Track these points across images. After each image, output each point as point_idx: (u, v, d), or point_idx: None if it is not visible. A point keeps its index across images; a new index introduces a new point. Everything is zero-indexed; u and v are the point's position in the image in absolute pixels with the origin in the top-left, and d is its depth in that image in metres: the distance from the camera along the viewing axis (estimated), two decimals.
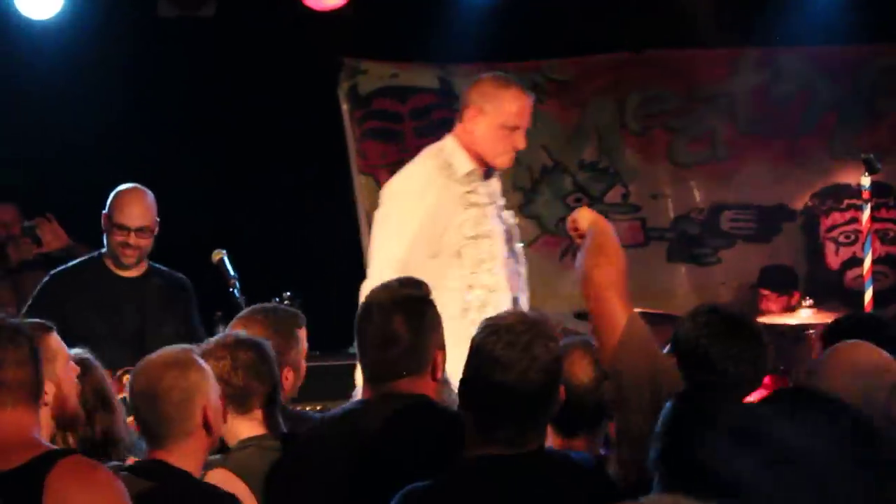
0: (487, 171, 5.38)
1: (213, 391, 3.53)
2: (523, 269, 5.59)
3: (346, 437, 3.57)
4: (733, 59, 8.36)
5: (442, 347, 3.73)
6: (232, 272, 6.40)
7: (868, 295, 6.11)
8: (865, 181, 5.85)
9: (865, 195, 5.86)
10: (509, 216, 5.56)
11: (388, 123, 8.33)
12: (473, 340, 3.30)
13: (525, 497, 3.19)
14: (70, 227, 7.26)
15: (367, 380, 3.72)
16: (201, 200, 7.76)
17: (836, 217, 8.29)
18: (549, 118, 8.31)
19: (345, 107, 8.22)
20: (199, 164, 7.83)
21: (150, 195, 5.93)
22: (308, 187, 7.89)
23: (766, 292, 7.59)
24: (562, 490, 3.21)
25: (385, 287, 3.79)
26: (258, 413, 3.86)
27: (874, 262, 6.90)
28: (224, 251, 6.52)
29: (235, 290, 6.40)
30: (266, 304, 4.62)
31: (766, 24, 8.03)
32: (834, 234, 8.32)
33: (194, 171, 7.81)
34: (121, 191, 5.89)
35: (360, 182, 8.21)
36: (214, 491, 3.45)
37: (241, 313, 4.42)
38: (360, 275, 7.75)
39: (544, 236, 8.41)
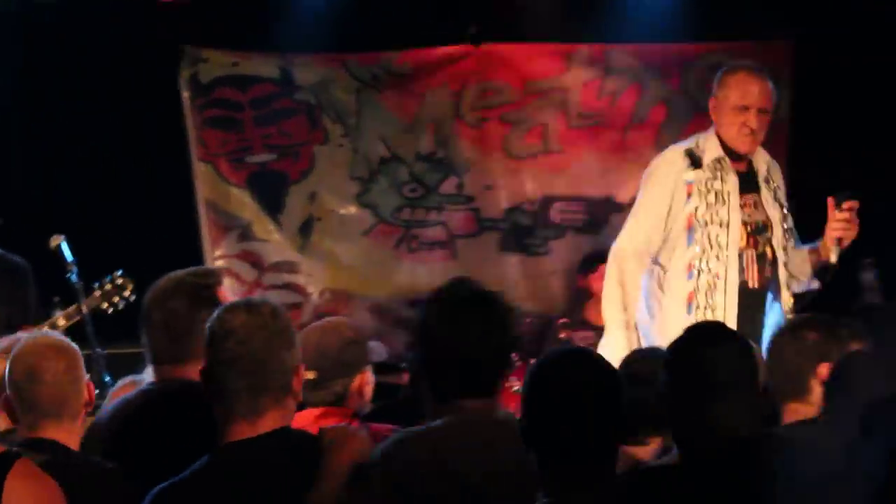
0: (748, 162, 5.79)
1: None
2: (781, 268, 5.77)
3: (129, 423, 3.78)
4: (567, 54, 8.56)
5: None
6: (70, 257, 6.49)
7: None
8: (689, 175, 5.98)
9: (689, 188, 5.96)
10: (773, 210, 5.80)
11: (229, 112, 8.42)
12: None
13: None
14: None
15: (151, 363, 3.89)
16: (40, 185, 7.85)
17: None
18: (387, 110, 8.50)
19: (185, 94, 8.28)
20: (38, 149, 7.90)
21: None
22: (148, 174, 7.96)
23: (590, 275, 7.88)
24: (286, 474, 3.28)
25: (171, 276, 3.95)
26: None
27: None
28: (63, 236, 6.63)
29: (73, 275, 6.52)
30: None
31: (599, 21, 8.25)
32: None
33: (33, 155, 7.88)
34: None
35: (199, 169, 8.30)
36: (102, 466, 3.67)
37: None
38: (198, 260, 7.95)
39: (380, 225, 8.55)
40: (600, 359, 3.34)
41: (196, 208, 8.27)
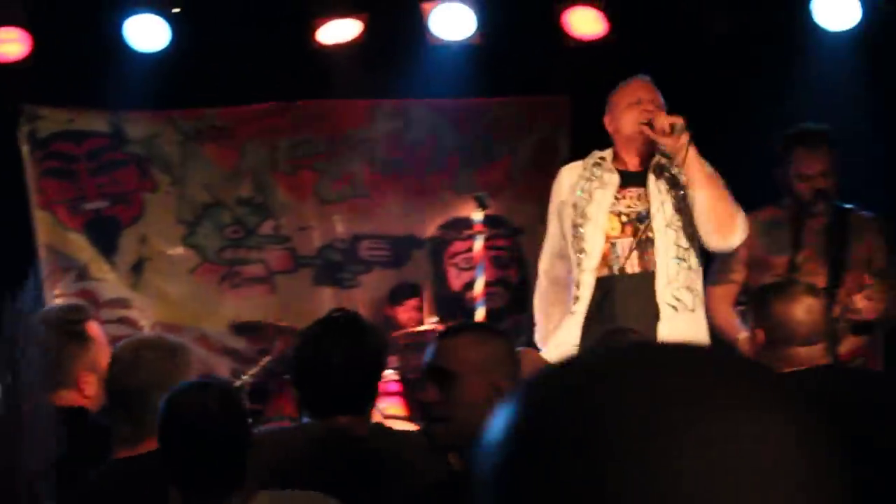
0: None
1: None
2: (662, 249, 5.59)
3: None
4: (372, 108, 8.94)
5: (91, 369, 3.99)
6: None
7: (480, 313, 6.59)
8: (477, 215, 6.42)
9: (477, 227, 6.42)
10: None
11: (65, 164, 8.62)
12: None
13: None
14: None
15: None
16: None
17: (458, 245, 8.86)
18: (210, 160, 8.83)
19: (25, 148, 8.50)
20: None
21: None
22: None
23: (396, 307, 8.36)
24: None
25: (43, 311, 4.06)
26: None
27: (490, 284, 7.56)
28: None
29: None
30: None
31: (399, 78, 8.56)
32: (456, 260, 8.87)
33: None
34: None
35: (38, 216, 8.56)
36: None
37: None
38: (38, 299, 8.24)
39: (205, 264, 8.80)
40: (227, 388, 3.30)
41: (36, 251, 8.48)
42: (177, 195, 8.83)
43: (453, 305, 8.71)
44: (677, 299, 5.52)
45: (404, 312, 8.39)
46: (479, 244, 6.41)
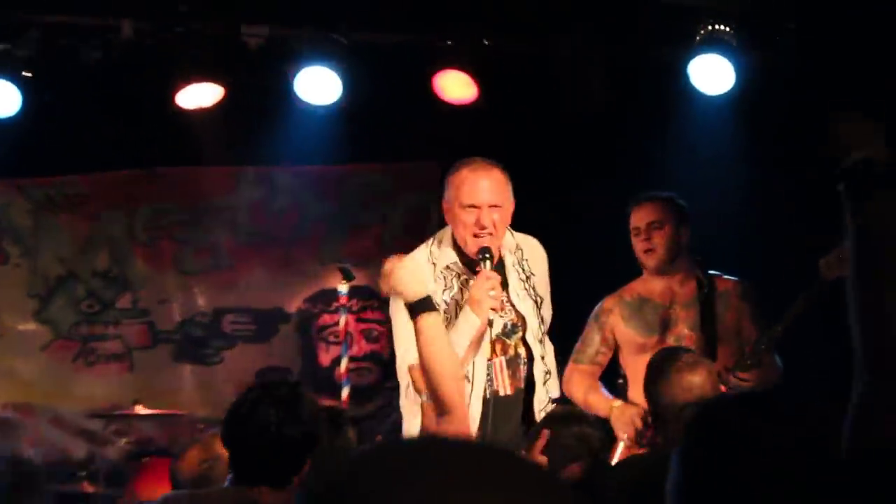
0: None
1: None
2: (538, 363, 5.32)
3: None
4: (235, 176, 8.89)
5: None
6: None
7: (345, 392, 6.56)
8: (342, 287, 6.38)
9: (343, 300, 6.39)
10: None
11: None
12: None
13: None
14: None
15: None
16: None
17: (326, 318, 8.79)
18: (64, 230, 8.71)
19: None
20: None
21: None
22: None
23: None
24: None
25: None
26: None
27: (360, 359, 7.54)
28: None
29: None
30: None
31: (264, 145, 8.55)
32: (324, 334, 8.81)
33: None
34: None
35: None
36: None
37: None
38: None
39: (58, 340, 8.69)
40: None
41: None
42: (28, 267, 8.73)
43: (323, 383, 8.60)
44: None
45: None
46: (343, 319, 6.40)
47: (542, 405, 5.30)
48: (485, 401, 5.19)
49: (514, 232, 5.40)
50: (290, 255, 8.91)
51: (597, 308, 6.19)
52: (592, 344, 6.12)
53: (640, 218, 6.03)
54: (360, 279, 7.38)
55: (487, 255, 5.06)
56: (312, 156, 8.69)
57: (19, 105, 7.89)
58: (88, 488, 7.69)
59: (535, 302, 5.36)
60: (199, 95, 8.08)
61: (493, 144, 8.35)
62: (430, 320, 4.38)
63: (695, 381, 4.63)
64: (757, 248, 7.07)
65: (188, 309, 8.86)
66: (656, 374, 4.75)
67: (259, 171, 8.95)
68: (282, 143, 8.56)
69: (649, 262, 6.01)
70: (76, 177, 8.71)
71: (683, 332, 5.95)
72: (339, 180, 9.02)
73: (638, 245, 6.02)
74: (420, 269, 4.54)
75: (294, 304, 8.81)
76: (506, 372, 5.25)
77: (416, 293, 4.38)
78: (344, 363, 6.40)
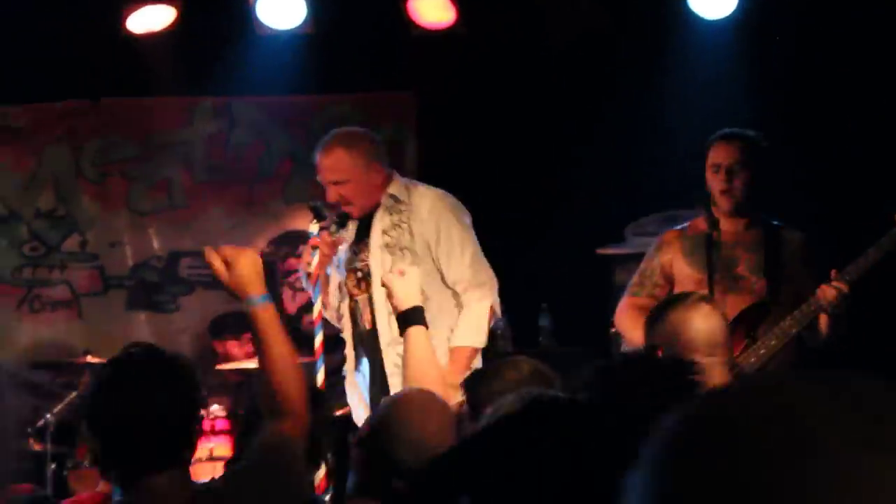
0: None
1: None
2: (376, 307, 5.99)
3: None
4: (190, 107, 8.65)
5: None
6: None
7: (318, 339, 6.24)
8: (313, 228, 6.07)
9: (314, 242, 6.09)
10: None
11: None
12: None
13: None
14: None
15: None
16: None
17: (292, 262, 8.52)
18: (5, 166, 8.48)
19: None
20: None
21: None
22: None
23: (227, 340, 7.93)
24: None
25: None
26: None
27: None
28: None
29: None
30: None
31: (223, 74, 8.29)
32: (290, 279, 8.61)
33: None
34: None
35: None
36: None
37: None
38: None
39: (1, 286, 8.49)
40: None
41: None
42: None
43: (290, 331, 8.05)
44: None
45: (238, 346, 7.89)
46: (314, 261, 6.02)
47: (385, 340, 5.92)
48: (355, 335, 6.13)
49: (411, 188, 6.09)
50: (252, 193, 8.70)
51: (657, 241, 6.13)
52: (651, 276, 6.05)
53: (722, 156, 5.89)
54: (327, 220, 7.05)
55: (337, 220, 6.11)
56: (276, 86, 8.41)
57: None
58: (35, 446, 7.42)
59: (399, 249, 5.98)
60: (149, 19, 7.91)
61: (472, 73, 8.19)
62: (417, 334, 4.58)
63: (696, 320, 4.46)
64: None
65: (141, 252, 8.64)
66: (657, 315, 4.61)
67: (217, 101, 8.69)
68: (242, 72, 8.30)
69: (724, 203, 5.90)
70: (17, 108, 8.44)
71: (744, 274, 5.88)
72: (306, 112, 8.75)
73: (715, 183, 5.90)
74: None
75: (257, 247, 8.44)
76: (367, 309, 6.05)
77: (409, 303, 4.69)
78: (317, 309, 6.04)
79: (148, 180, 8.64)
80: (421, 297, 4.99)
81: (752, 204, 5.92)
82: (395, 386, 5.69)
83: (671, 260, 5.98)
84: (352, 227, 6.13)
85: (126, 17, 7.85)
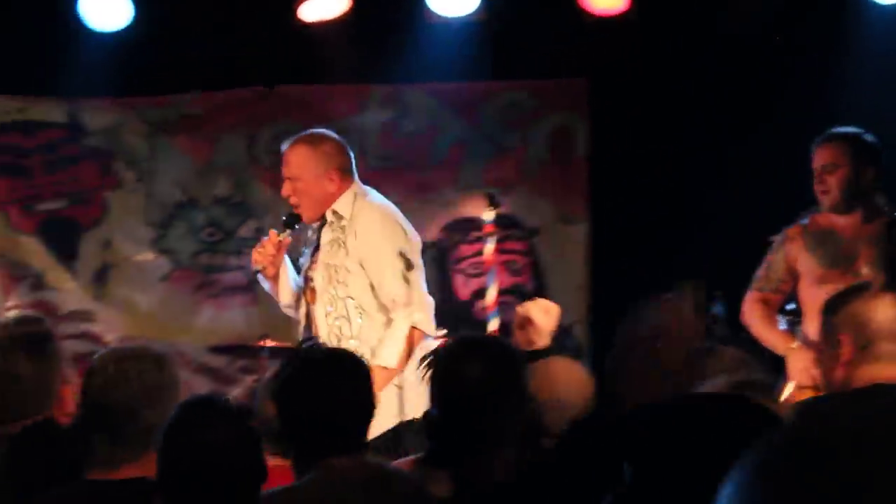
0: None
1: None
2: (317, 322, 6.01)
3: None
4: (362, 95, 8.67)
5: (67, 381, 3.98)
6: None
7: (493, 325, 6.45)
8: (488, 215, 6.22)
9: (488, 228, 6.21)
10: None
11: (16, 158, 8.42)
12: None
13: None
14: None
15: None
16: None
17: (464, 249, 8.54)
18: (181, 154, 8.56)
19: None
20: None
21: None
22: None
23: None
24: None
25: (2, 325, 3.96)
26: None
27: (501, 292, 7.33)
28: None
29: None
30: None
31: (394, 62, 8.30)
32: (462, 265, 8.58)
33: None
34: None
35: None
36: None
37: None
38: None
39: (178, 271, 8.56)
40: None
41: None
42: (144, 194, 8.58)
43: (461, 316, 8.33)
44: None
45: None
46: (490, 247, 6.33)
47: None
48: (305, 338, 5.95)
49: (358, 202, 6.08)
50: (424, 180, 8.66)
51: (779, 236, 6.26)
52: (777, 271, 6.20)
53: (816, 160, 6.14)
54: (501, 207, 7.12)
55: (286, 220, 6.17)
56: (448, 73, 8.43)
57: (131, 18, 7.86)
58: None
59: (330, 267, 5.95)
60: (323, 7, 7.98)
61: (644, 61, 8.16)
62: None
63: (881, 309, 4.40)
64: None
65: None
66: (839, 306, 4.53)
67: (389, 89, 8.70)
68: (413, 60, 8.33)
69: (823, 203, 6.13)
70: (193, 96, 8.52)
71: (863, 270, 5.95)
72: (478, 99, 8.74)
73: (814, 186, 6.14)
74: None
75: (429, 234, 8.46)
76: (314, 318, 5.98)
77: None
78: (491, 295, 6.19)
79: None
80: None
81: (857, 201, 6.03)
82: None
83: (796, 255, 6.11)
84: (311, 233, 6.16)
85: (299, 6, 7.94)
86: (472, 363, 3.78)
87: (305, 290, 6.03)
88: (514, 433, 3.71)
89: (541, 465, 3.66)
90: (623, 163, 8.31)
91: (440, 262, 8.67)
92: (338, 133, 8.58)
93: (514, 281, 8.61)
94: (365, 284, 5.88)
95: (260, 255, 5.95)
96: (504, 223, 7.62)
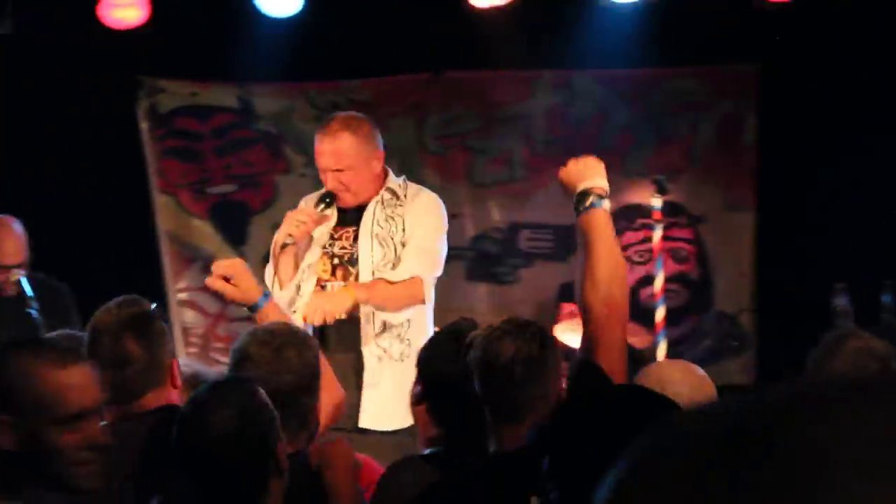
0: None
1: None
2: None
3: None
4: (530, 81, 8.67)
5: (174, 355, 4.06)
6: (30, 292, 6.62)
7: (660, 313, 6.45)
8: (656, 202, 6.21)
9: (656, 215, 6.20)
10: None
11: (189, 142, 8.56)
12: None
13: None
14: None
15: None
16: None
17: (630, 236, 8.48)
18: None
19: (144, 125, 8.42)
20: None
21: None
22: (107, 205, 8.03)
23: (571, 306, 7.93)
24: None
25: (107, 310, 4.00)
26: None
27: (667, 280, 7.34)
28: (22, 271, 6.74)
29: (33, 311, 6.63)
30: None
31: (562, 47, 8.32)
32: (628, 252, 8.45)
33: None
34: None
35: (159, 201, 8.44)
36: None
37: None
38: (160, 293, 7.99)
39: None
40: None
41: (156, 240, 8.36)
42: (314, 178, 8.47)
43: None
44: (383, 349, 5.74)
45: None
46: (657, 234, 6.34)
47: (367, 332, 5.73)
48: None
49: (405, 184, 6.11)
50: None
51: None
52: None
53: None
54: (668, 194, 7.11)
55: (327, 199, 5.93)
56: (616, 59, 8.40)
57: (302, 4, 7.98)
58: None
59: (389, 242, 5.88)
60: None
61: (817, 48, 8.06)
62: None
63: None
64: None
65: (481, 223, 8.72)
66: None
67: (557, 75, 8.70)
68: (582, 45, 8.32)
69: None
70: (362, 81, 8.60)
71: None
72: (647, 86, 8.71)
73: None
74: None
75: None
76: None
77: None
78: (659, 282, 6.09)
79: (489, 153, 8.70)
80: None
81: None
82: (372, 379, 5.69)
83: None
84: (330, 212, 5.98)
85: None
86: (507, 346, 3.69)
87: (327, 268, 5.85)
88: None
89: None
90: (790, 152, 8.24)
91: None
92: (507, 119, 8.74)
93: (679, 269, 8.57)
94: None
95: (298, 230, 5.72)
96: (669, 210, 7.63)
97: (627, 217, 8.51)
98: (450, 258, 8.51)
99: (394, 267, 5.82)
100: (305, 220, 5.74)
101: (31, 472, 3.13)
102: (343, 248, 5.88)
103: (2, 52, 7.96)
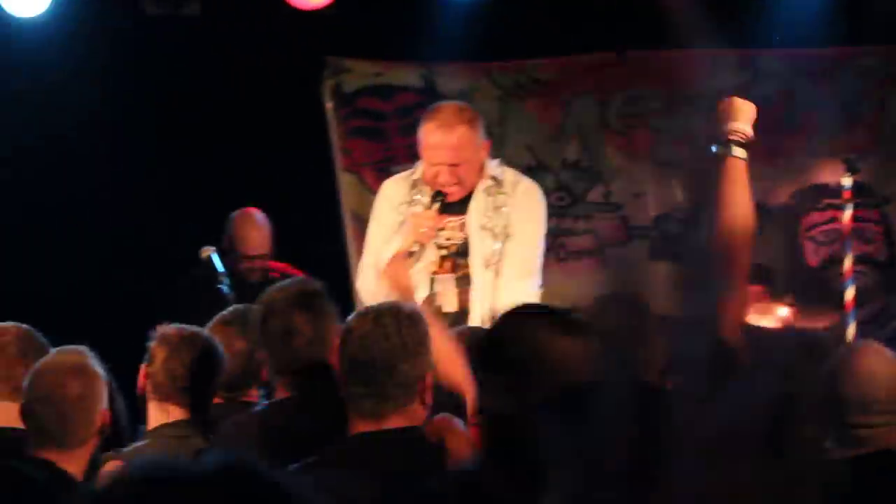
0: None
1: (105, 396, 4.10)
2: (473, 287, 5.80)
3: (281, 432, 4.02)
4: (714, 60, 8.58)
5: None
6: (221, 268, 6.79)
7: (850, 293, 6.41)
8: (846, 181, 6.20)
9: (846, 195, 6.17)
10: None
11: (373, 122, 8.65)
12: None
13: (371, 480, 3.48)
14: (53, 227, 7.57)
15: (276, 373, 4.24)
16: (185, 198, 8.07)
17: (816, 216, 8.46)
18: (533, 118, 8.66)
19: (329, 105, 8.52)
20: (181, 163, 8.15)
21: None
22: (291, 184, 8.15)
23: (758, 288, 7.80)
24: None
25: (279, 288, 4.32)
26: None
27: (854, 260, 7.26)
28: (213, 248, 6.92)
29: (224, 286, 6.81)
30: None
31: (745, 26, 8.23)
32: (813, 233, 8.51)
33: (177, 169, 8.13)
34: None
35: (344, 180, 8.53)
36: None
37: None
38: (344, 271, 8.13)
39: None
40: None
41: (341, 219, 8.45)
42: (494, 156, 8.53)
43: (810, 284, 8.26)
44: None
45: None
46: (847, 214, 6.36)
47: (479, 324, 5.54)
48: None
49: (504, 168, 6.03)
50: (776, 146, 8.47)
51: None
52: None
53: None
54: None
55: (439, 198, 5.73)
56: (800, 38, 8.29)
57: None
58: None
59: (498, 234, 5.79)
60: None
61: None
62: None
63: None
64: None
65: (664, 203, 8.64)
66: None
67: (741, 54, 8.55)
68: (766, 24, 8.26)
69: None
70: (545, 61, 8.63)
71: None
72: (832, 66, 8.61)
73: None
74: None
75: (778, 199, 8.47)
76: (454, 290, 5.75)
77: None
78: (848, 262, 6.10)
79: (672, 133, 8.46)
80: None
81: None
82: None
83: None
84: (419, 196, 5.90)
85: None
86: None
87: (436, 260, 5.80)
88: None
89: None
90: None
91: (790, 229, 8.61)
92: (693, 98, 8.63)
93: (865, 249, 8.41)
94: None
95: (424, 235, 5.65)
96: (855, 191, 7.53)
97: (813, 198, 8.48)
98: (634, 237, 8.68)
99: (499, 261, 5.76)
100: (431, 224, 5.69)
101: None
102: (449, 238, 5.85)
103: (189, 34, 8.14)
